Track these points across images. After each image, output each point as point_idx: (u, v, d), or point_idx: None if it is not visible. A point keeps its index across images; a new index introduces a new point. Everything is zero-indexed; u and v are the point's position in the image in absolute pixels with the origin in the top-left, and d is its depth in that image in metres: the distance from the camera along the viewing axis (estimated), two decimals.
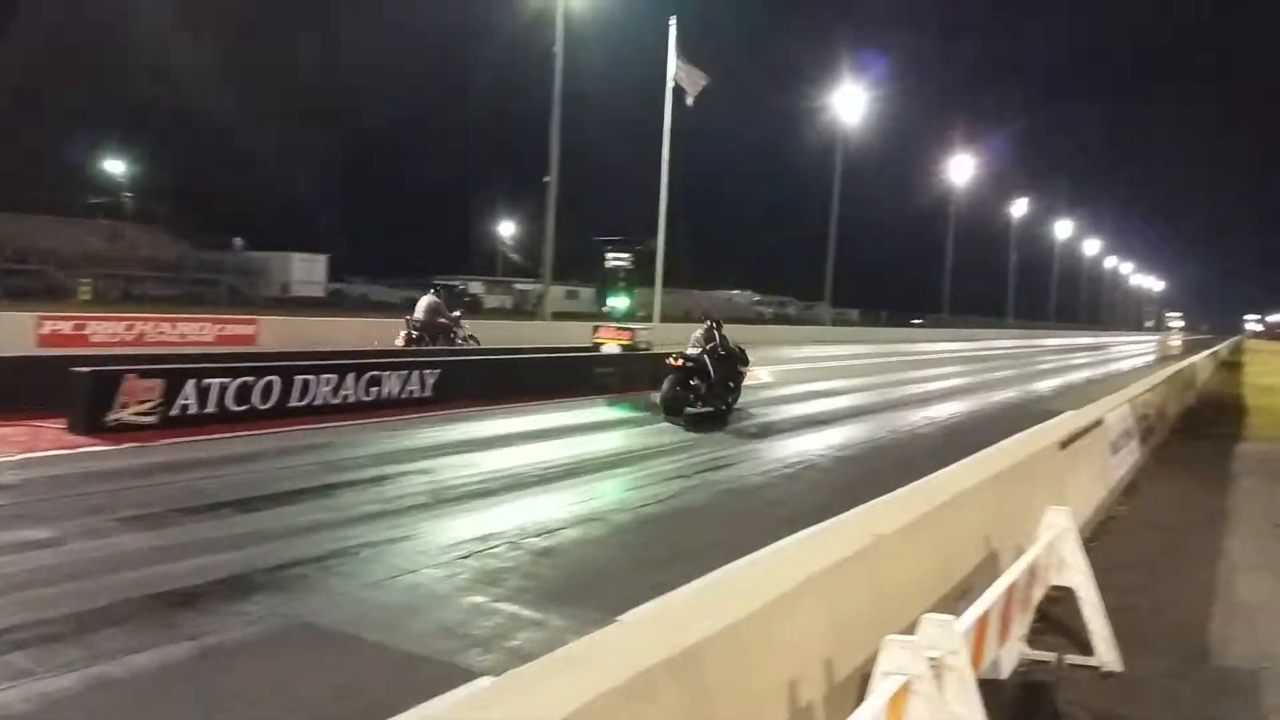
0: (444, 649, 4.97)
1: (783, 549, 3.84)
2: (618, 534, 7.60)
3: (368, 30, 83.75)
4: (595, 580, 6.36)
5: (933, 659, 3.07)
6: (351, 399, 12.60)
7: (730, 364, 15.38)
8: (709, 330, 15.40)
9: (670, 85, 38.85)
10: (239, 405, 11.43)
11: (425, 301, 19.92)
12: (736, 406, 15.82)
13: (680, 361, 14.44)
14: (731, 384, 15.51)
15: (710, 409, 14.87)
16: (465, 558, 6.64)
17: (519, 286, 67.76)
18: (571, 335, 23.97)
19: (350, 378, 12.54)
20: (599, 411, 15.35)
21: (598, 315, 20.51)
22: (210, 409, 11.14)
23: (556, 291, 43.60)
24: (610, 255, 19.69)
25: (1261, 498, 10.27)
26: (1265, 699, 4.74)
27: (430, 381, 13.65)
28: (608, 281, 19.94)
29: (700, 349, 14.93)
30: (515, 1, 35.07)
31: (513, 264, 78.20)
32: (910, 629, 3.21)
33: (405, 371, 13.28)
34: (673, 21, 38.15)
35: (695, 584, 5.50)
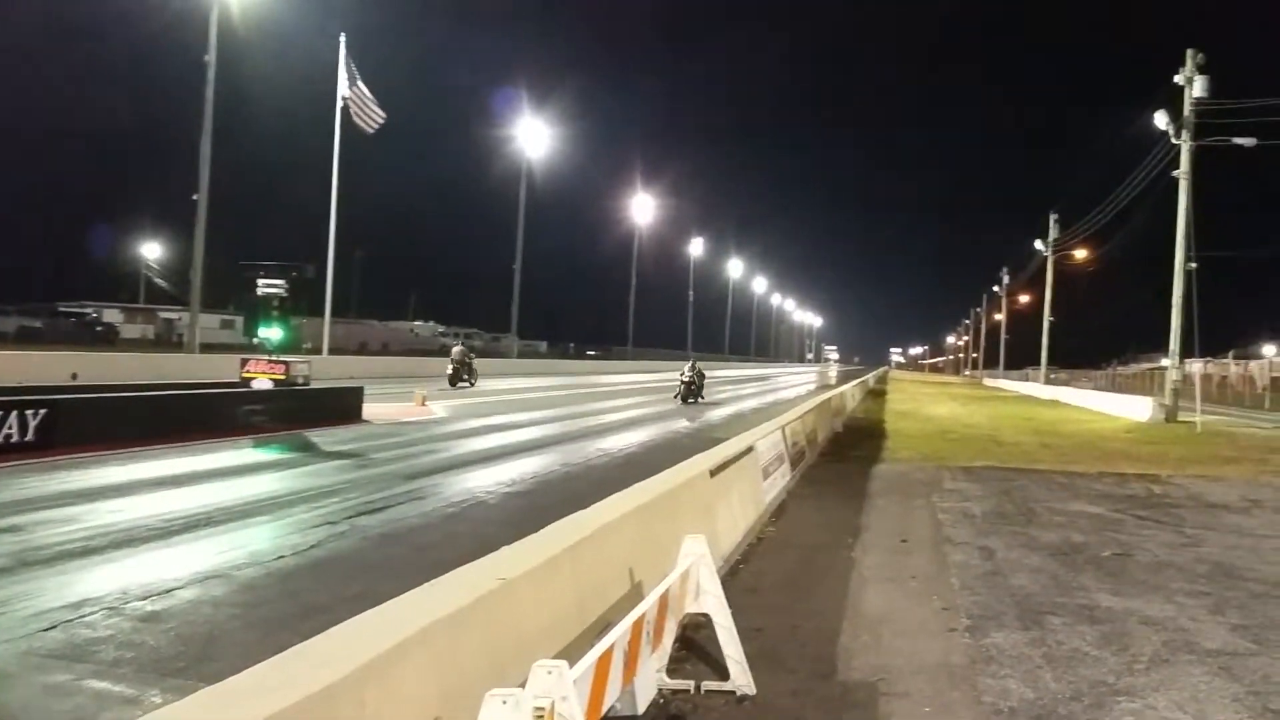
0: None
1: (393, 603, 3.40)
2: (243, 592, 6.81)
3: None
4: (209, 647, 5.62)
5: (539, 709, 2.84)
6: None
7: (701, 380, 32.71)
8: (693, 364, 33.14)
9: (340, 105, 37.59)
10: None
11: (458, 349, 37.62)
12: (411, 444, 16.42)
13: (687, 379, 31.56)
14: (703, 391, 33.07)
15: (694, 400, 31.68)
16: (50, 629, 5.70)
17: (165, 315, 62.11)
18: (222, 369, 22.55)
19: None
20: (243, 454, 14.15)
21: (253, 347, 18.95)
22: None
23: (209, 321, 40.36)
24: (262, 282, 18.20)
25: (892, 514, 11.13)
26: (881, 711, 4.91)
27: (33, 424, 11.77)
28: (260, 311, 18.42)
29: (692, 374, 31.97)
30: (167, 5, 32.31)
31: (159, 290, 71.53)
32: None
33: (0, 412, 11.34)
34: (342, 38, 37.01)
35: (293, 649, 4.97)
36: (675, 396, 31.72)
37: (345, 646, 2.93)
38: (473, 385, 35.58)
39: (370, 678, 2.81)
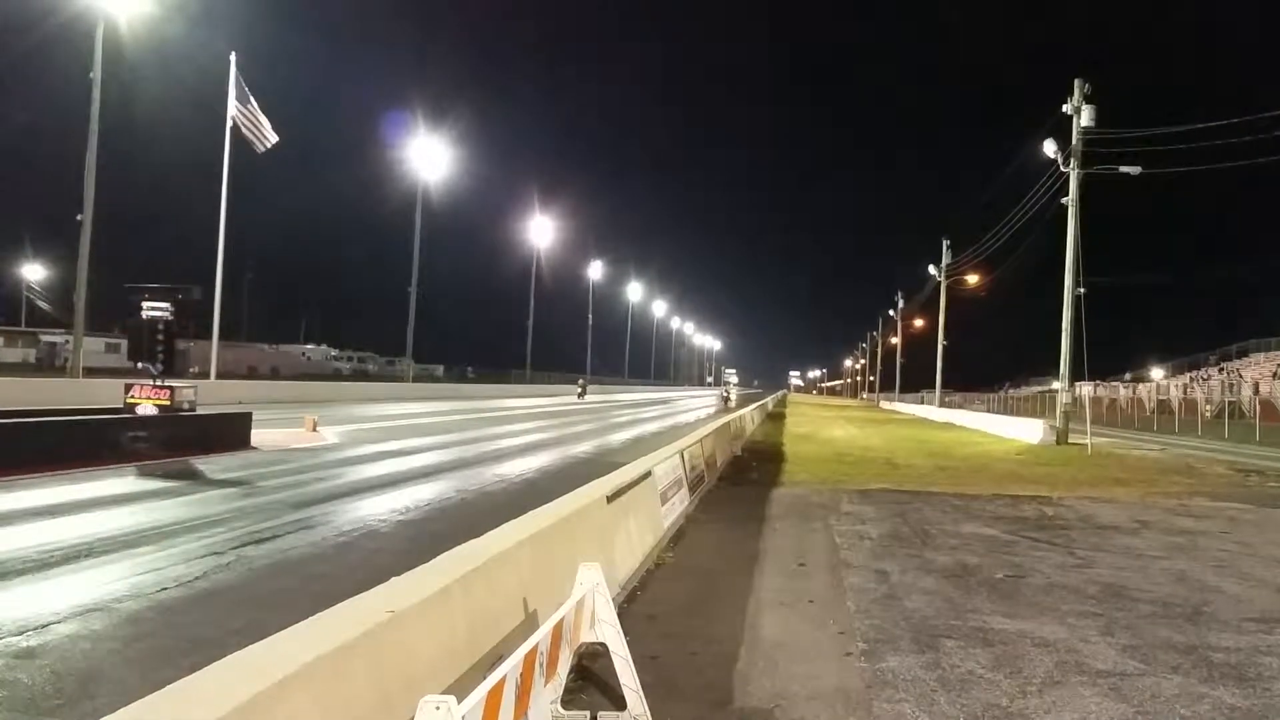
0: None
1: (278, 636, 3.27)
2: (125, 625, 6.51)
3: None
4: (87, 684, 5.36)
5: None
6: None
7: (730, 392, 72.53)
8: (726, 385, 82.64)
9: (229, 125, 36.65)
10: None
11: (582, 379, 79.82)
12: (301, 471, 15.98)
13: (726, 394, 70.95)
14: (732, 398, 68.44)
15: (730, 405, 58.95)
16: None
17: (47, 338, 59.55)
18: (106, 394, 21.56)
19: None
20: (126, 482, 13.57)
21: (139, 372, 18.21)
22: None
23: (93, 344, 38.73)
24: (148, 305, 17.58)
25: (790, 538, 11.20)
26: None
27: None
28: (144, 334, 17.76)
29: (728, 392, 72.35)
30: (51, 19, 31.07)
31: (41, 312, 68.64)
32: None
33: None
34: (232, 57, 36.16)
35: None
36: (722, 400, 64.64)
37: (227, 683, 2.81)
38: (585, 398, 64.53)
39: (253, 715, 2.70)
